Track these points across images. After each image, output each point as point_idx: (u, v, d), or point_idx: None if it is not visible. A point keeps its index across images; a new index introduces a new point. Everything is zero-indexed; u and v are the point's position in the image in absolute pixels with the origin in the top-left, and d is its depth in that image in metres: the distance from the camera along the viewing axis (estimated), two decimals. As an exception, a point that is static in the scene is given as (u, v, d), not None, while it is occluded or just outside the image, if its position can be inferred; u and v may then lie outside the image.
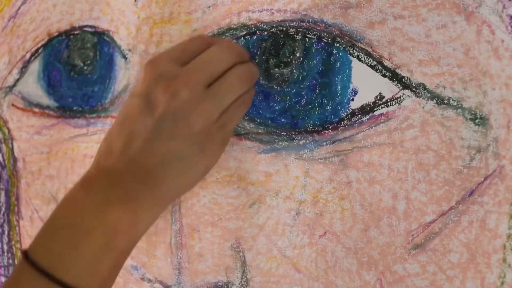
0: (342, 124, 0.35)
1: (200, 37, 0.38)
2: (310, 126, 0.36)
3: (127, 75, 0.43)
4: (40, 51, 0.47)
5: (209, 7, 0.39)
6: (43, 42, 0.47)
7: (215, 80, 0.34)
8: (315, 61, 0.36)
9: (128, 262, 0.43)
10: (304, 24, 0.36)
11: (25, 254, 0.32)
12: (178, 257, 0.41)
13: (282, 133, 0.37)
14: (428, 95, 0.33)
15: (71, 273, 0.31)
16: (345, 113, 0.35)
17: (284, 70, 0.36)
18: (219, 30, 0.39)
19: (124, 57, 0.43)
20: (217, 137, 0.35)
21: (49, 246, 0.32)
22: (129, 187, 0.33)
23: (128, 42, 0.43)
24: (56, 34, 0.47)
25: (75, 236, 0.32)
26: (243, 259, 0.38)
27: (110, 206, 0.33)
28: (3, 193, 0.50)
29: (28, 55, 0.48)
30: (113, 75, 0.44)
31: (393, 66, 0.33)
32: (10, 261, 0.51)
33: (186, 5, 0.40)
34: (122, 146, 0.33)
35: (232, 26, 0.38)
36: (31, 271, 0.31)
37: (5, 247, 0.51)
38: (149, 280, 0.42)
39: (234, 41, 0.38)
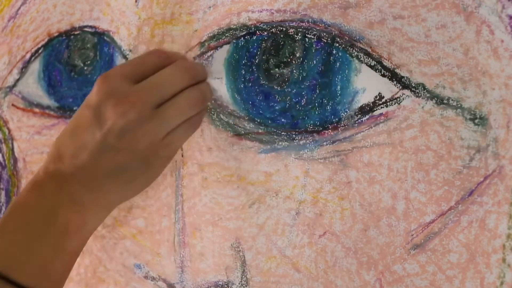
0: (342, 124, 0.35)
1: (156, 52, 0.39)
2: (310, 126, 0.36)
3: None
4: (40, 51, 0.47)
5: (210, 7, 0.39)
6: (43, 43, 0.47)
7: (166, 100, 0.36)
8: (314, 61, 0.36)
9: (131, 261, 0.43)
10: (303, 24, 0.36)
11: None
12: (181, 256, 0.41)
13: (282, 133, 0.37)
14: (428, 95, 0.33)
15: (26, 274, 0.33)
16: (345, 113, 0.35)
17: (284, 70, 0.36)
18: (219, 30, 0.39)
19: (125, 57, 0.43)
20: (161, 154, 0.37)
21: (3, 249, 0.34)
22: (76, 193, 0.35)
23: (129, 42, 0.43)
24: (56, 34, 0.47)
25: (27, 238, 0.34)
26: (243, 258, 0.38)
27: (59, 209, 0.35)
28: (3, 193, 0.50)
29: (28, 55, 0.48)
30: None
31: (392, 66, 0.33)
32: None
33: (187, 5, 0.40)
34: (71, 154, 0.35)
35: (232, 26, 0.38)
36: None
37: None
38: (153, 278, 0.42)
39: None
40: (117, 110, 0.34)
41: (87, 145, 0.35)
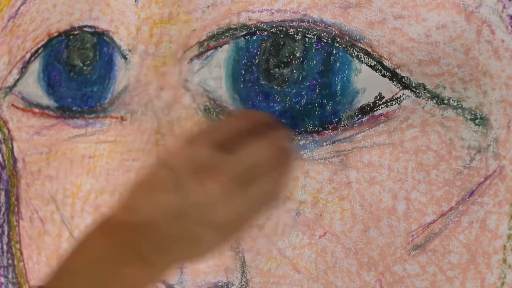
0: (342, 124, 0.35)
1: (247, 116, 0.36)
2: (310, 126, 0.36)
3: (127, 75, 0.43)
4: (40, 51, 0.47)
5: (209, 7, 0.39)
6: (43, 43, 0.47)
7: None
8: (315, 61, 0.36)
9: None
10: (304, 24, 0.36)
11: None
12: (179, 257, 0.41)
13: (282, 133, 0.37)
14: (428, 95, 0.32)
15: None
16: (345, 113, 0.35)
17: (284, 70, 0.36)
18: (219, 30, 0.39)
19: (124, 57, 0.43)
20: (237, 228, 0.34)
21: None
22: (144, 248, 0.33)
23: (128, 42, 0.43)
24: (56, 34, 0.46)
25: (91, 285, 0.32)
26: (242, 259, 0.38)
27: (126, 262, 0.33)
28: (3, 193, 0.50)
29: (28, 56, 0.48)
30: (113, 75, 0.44)
31: (393, 66, 0.33)
32: (10, 261, 0.51)
33: (185, 5, 0.40)
34: (145, 211, 0.33)
35: (232, 26, 0.38)
36: None
37: (5, 247, 0.51)
38: (150, 280, 0.42)
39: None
40: (200, 181, 0.32)
41: (164, 206, 0.33)
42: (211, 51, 0.39)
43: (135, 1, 0.42)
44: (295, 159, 0.37)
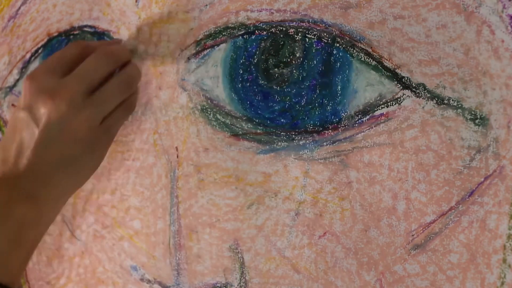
0: (342, 124, 0.35)
1: (75, 43, 0.40)
2: (310, 126, 0.36)
3: (128, 75, 0.43)
4: (40, 51, 0.47)
5: (206, 5, 0.39)
6: (43, 42, 0.47)
7: (97, 87, 0.38)
8: (315, 61, 0.36)
9: (128, 262, 0.43)
10: (304, 24, 0.36)
11: None
12: (177, 258, 0.41)
13: (282, 133, 0.37)
14: (428, 95, 0.32)
15: None
16: (345, 113, 0.35)
17: (284, 70, 0.36)
18: (216, 29, 0.39)
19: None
20: (102, 139, 0.39)
21: None
22: (29, 189, 0.37)
23: (129, 42, 0.43)
24: (55, 34, 0.46)
25: None
26: (241, 260, 0.38)
27: (14, 204, 0.36)
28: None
29: (28, 55, 0.48)
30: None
31: (393, 66, 0.33)
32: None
33: (183, 3, 0.40)
34: (16, 155, 0.37)
35: (230, 25, 0.38)
36: None
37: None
38: (148, 281, 0.42)
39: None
40: (50, 105, 0.36)
41: (29, 144, 0.37)
42: (208, 50, 0.39)
43: (136, 1, 0.43)
44: (124, 54, 0.41)
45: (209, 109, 0.39)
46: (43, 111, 0.36)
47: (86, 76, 0.37)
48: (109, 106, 0.39)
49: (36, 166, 0.37)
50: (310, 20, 0.36)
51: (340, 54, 0.35)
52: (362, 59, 0.34)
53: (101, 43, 0.42)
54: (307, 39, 0.36)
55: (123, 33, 0.43)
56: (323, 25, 0.35)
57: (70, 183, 0.39)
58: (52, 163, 0.37)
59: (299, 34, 0.36)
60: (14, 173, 0.37)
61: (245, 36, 0.38)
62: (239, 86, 0.38)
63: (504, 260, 0.31)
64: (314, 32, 0.35)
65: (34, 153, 0.37)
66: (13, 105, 0.49)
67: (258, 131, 0.37)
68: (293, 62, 0.36)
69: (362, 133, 0.34)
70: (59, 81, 0.37)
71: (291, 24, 0.36)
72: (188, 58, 0.40)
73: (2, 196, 0.36)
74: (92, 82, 0.38)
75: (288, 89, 0.36)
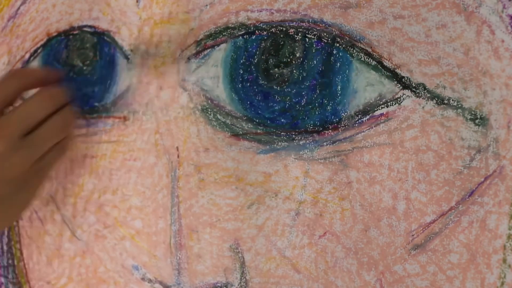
0: (342, 124, 0.35)
1: (14, 75, 0.40)
2: (310, 126, 0.36)
3: (129, 75, 0.43)
4: (39, 51, 0.47)
5: (207, 5, 0.39)
6: (42, 42, 0.47)
7: (32, 129, 0.38)
8: (315, 61, 0.36)
9: (129, 262, 0.43)
10: (304, 24, 0.36)
11: None
12: (178, 258, 0.41)
13: (282, 133, 0.37)
14: (428, 95, 0.32)
15: None
16: (345, 113, 0.35)
17: (284, 70, 0.36)
18: (216, 29, 0.39)
19: (126, 57, 0.43)
20: (33, 180, 0.40)
21: None
22: None
23: (130, 42, 0.43)
24: (55, 34, 0.46)
25: None
26: (242, 260, 0.38)
27: None
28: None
29: (27, 55, 0.48)
30: (115, 75, 0.44)
31: (393, 66, 0.33)
32: (10, 261, 0.51)
33: (184, 4, 0.40)
34: None
35: (230, 25, 0.38)
36: None
37: (5, 247, 0.51)
38: (150, 280, 0.42)
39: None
40: None
41: None
42: (208, 50, 0.39)
43: (137, 1, 0.42)
44: (63, 97, 0.41)
45: (209, 109, 0.39)
46: None
47: (25, 118, 0.38)
48: (42, 149, 0.39)
49: None
50: (310, 20, 0.36)
51: (340, 54, 0.35)
52: (362, 59, 0.34)
53: (40, 74, 0.42)
54: (307, 39, 0.36)
55: (124, 34, 0.43)
56: (323, 25, 0.35)
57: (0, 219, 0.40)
58: None
59: (299, 34, 0.36)
60: None
61: (245, 36, 0.37)
62: (240, 86, 0.38)
63: (504, 260, 0.31)
64: (314, 32, 0.35)
65: None
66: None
67: (259, 131, 0.37)
68: (293, 62, 0.36)
69: (362, 133, 0.34)
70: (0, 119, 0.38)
71: (291, 24, 0.36)
72: (189, 58, 0.40)
73: None
74: (30, 124, 0.38)
75: (288, 89, 0.36)
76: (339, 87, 0.35)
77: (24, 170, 0.38)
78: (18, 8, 0.49)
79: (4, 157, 0.37)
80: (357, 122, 0.34)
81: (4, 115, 0.38)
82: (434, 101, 0.32)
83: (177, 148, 0.40)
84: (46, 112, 0.39)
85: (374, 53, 0.34)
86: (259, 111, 0.37)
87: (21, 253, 0.49)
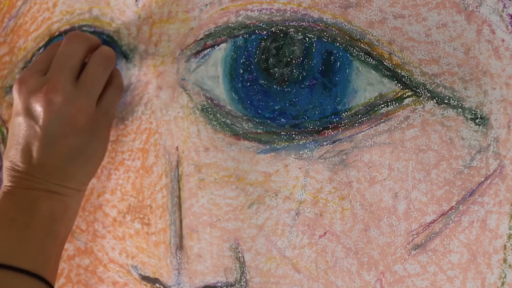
0: (342, 124, 0.35)
1: (54, 44, 0.42)
2: (310, 126, 0.36)
3: (128, 75, 0.43)
4: (41, 51, 0.47)
5: (206, 5, 0.39)
6: (43, 42, 0.47)
7: (80, 70, 0.39)
8: (315, 60, 0.35)
9: (129, 261, 0.43)
10: (304, 23, 0.36)
11: None
12: (178, 258, 0.41)
13: (282, 133, 0.37)
14: (428, 94, 0.32)
15: (25, 261, 0.35)
16: (345, 113, 0.35)
17: (284, 70, 0.36)
18: (216, 29, 0.39)
19: (126, 57, 0.43)
20: (102, 123, 0.40)
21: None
22: (47, 186, 0.38)
23: (129, 42, 0.43)
24: (56, 34, 0.46)
25: (18, 231, 0.37)
26: (242, 259, 0.38)
27: (41, 201, 0.38)
28: (2, 193, 0.50)
29: (29, 55, 0.48)
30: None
31: (393, 66, 0.33)
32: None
33: (183, 3, 0.40)
34: (25, 157, 0.38)
35: (230, 24, 0.38)
36: None
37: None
38: (149, 280, 0.42)
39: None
40: (45, 101, 0.37)
41: (35, 143, 0.38)
42: (208, 50, 0.39)
43: (136, 0, 0.42)
44: (92, 37, 0.42)
45: (209, 109, 0.39)
46: (40, 109, 0.37)
47: (65, 63, 0.39)
48: (98, 86, 0.40)
49: (47, 161, 0.38)
50: (310, 20, 0.36)
51: (340, 54, 0.35)
52: (362, 58, 0.34)
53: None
54: (307, 39, 0.36)
55: (123, 33, 0.43)
56: (323, 24, 0.35)
57: (84, 173, 0.40)
58: (61, 156, 0.38)
59: (299, 34, 0.36)
60: (30, 174, 0.38)
61: (245, 36, 0.37)
62: (240, 85, 0.38)
63: (505, 260, 0.31)
64: (314, 32, 0.35)
65: (41, 150, 0.38)
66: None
67: (259, 130, 0.37)
68: (293, 61, 0.36)
69: (362, 133, 0.34)
70: (45, 77, 0.38)
71: (291, 24, 0.36)
72: (188, 58, 0.40)
73: (28, 196, 0.38)
74: (73, 67, 0.39)
75: (288, 88, 0.36)
76: (339, 87, 0.35)
77: (89, 116, 0.38)
78: (19, 8, 0.49)
79: (66, 107, 0.37)
80: (357, 121, 0.34)
81: (51, 71, 0.39)
82: (435, 101, 0.32)
83: (177, 148, 0.40)
84: (81, 49, 0.40)
85: (374, 53, 0.34)
86: (259, 111, 0.37)
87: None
